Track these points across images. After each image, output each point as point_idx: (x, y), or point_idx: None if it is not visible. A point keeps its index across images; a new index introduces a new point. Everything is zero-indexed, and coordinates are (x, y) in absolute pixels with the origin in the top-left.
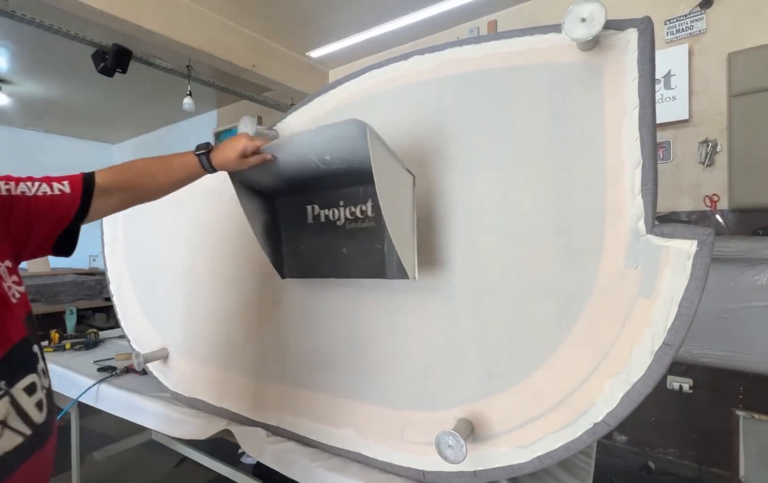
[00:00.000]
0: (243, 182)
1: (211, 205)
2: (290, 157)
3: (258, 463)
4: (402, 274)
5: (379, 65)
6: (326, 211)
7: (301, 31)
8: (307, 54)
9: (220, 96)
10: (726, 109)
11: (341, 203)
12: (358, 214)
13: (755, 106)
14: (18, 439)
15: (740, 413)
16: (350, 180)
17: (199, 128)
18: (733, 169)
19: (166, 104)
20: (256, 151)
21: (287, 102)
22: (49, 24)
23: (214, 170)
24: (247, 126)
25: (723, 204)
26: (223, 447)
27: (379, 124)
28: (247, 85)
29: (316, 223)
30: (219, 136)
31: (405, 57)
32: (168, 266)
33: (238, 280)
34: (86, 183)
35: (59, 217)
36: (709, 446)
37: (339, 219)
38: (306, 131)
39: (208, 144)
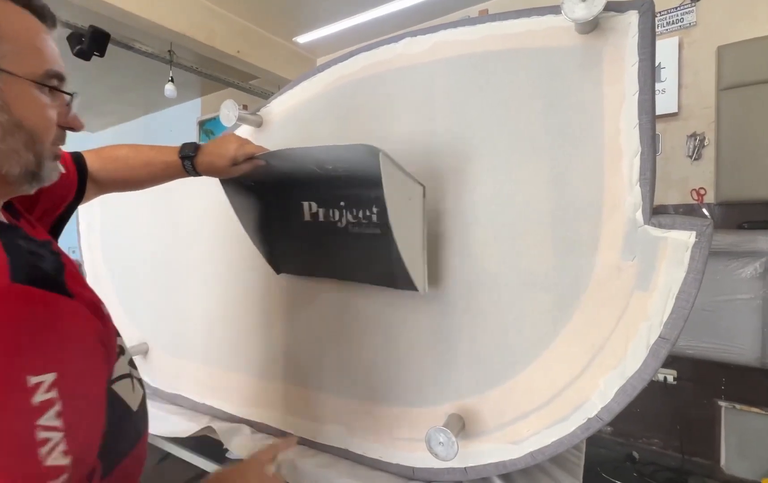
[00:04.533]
0: (231, 178)
1: (196, 192)
2: (286, 162)
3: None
4: (410, 286)
5: (369, 47)
6: (325, 211)
7: (287, 15)
8: (294, 40)
9: (204, 84)
10: (714, 102)
11: (342, 204)
12: (362, 218)
13: (743, 100)
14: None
15: (722, 404)
16: (353, 184)
17: (183, 117)
18: (720, 163)
19: (148, 91)
20: (248, 157)
21: (274, 90)
22: None
23: (198, 175)
24: (229, 110)
25: (710, 197)
26: (208, 442)
27: (368, 110)
28: (232, 72)
29: (314, 221)
30: (203, 124)
31: (396, 39)
32: (148, 257)
33: (222, 273)
34: (78, 164)
35: (62, 195)
36: (692, 436)
37: (340, 221)
38: (309, 148)
39: (194, 145)
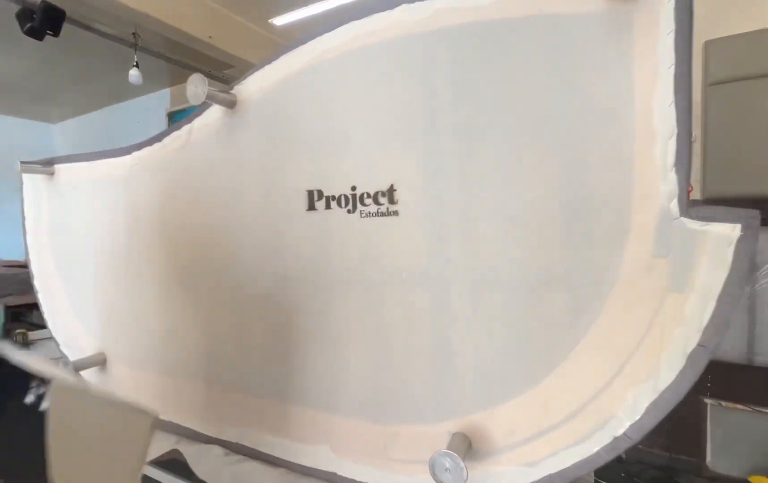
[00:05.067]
0: None
1: (154, 185)
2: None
3: None
4: None
5: (360, 15)
6: None
7: None
8: (270, 22)
9: (173, 72)
10: (701, 98)
11: None
12: None
13: (730, 96)
14: None
15: (708, 401)
16: None
17: (151, 108)
18: (707, 160)
19: (113, 79)
20: None
21: None
22: None
23: None
24: (197, 86)
25: (696, 194)
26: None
27: (359, 88)
28: (204, 60)
29: None
30: (172, 116)
31: (391, 6)
32: (103, 255)
33: (187, 273)
34: None
35: None
36: (678, 434)
37: None
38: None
39: None
